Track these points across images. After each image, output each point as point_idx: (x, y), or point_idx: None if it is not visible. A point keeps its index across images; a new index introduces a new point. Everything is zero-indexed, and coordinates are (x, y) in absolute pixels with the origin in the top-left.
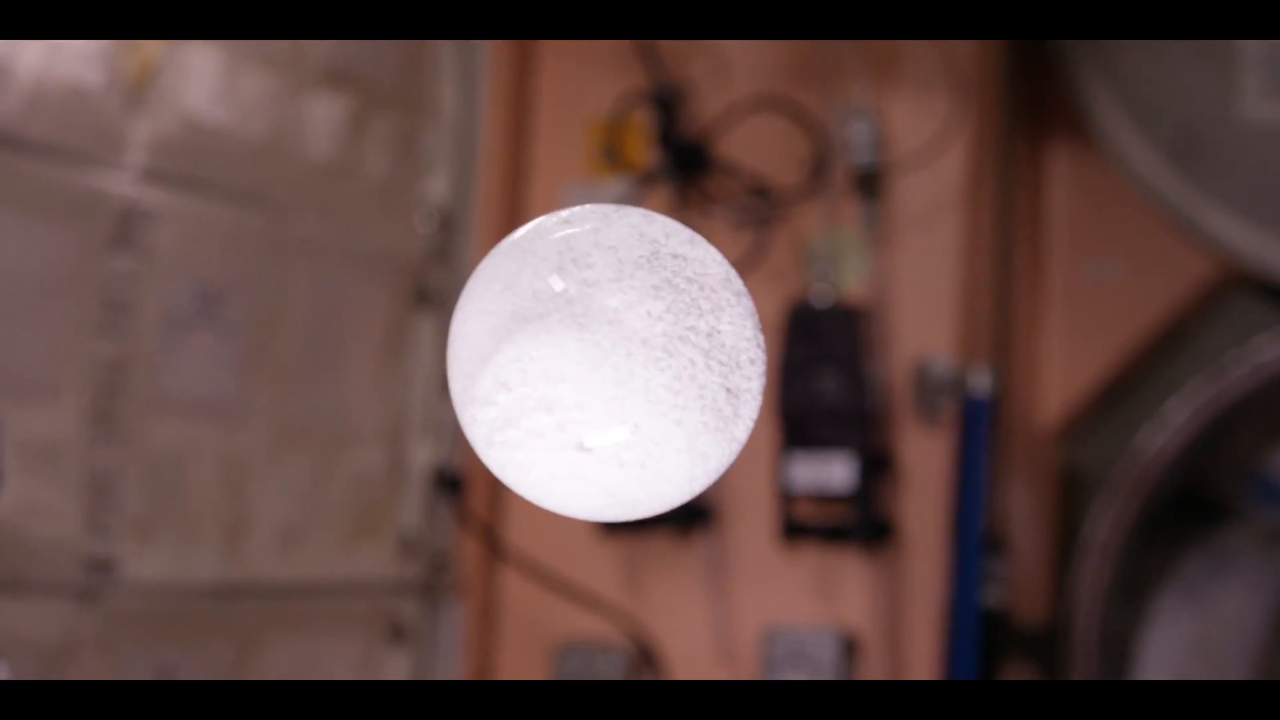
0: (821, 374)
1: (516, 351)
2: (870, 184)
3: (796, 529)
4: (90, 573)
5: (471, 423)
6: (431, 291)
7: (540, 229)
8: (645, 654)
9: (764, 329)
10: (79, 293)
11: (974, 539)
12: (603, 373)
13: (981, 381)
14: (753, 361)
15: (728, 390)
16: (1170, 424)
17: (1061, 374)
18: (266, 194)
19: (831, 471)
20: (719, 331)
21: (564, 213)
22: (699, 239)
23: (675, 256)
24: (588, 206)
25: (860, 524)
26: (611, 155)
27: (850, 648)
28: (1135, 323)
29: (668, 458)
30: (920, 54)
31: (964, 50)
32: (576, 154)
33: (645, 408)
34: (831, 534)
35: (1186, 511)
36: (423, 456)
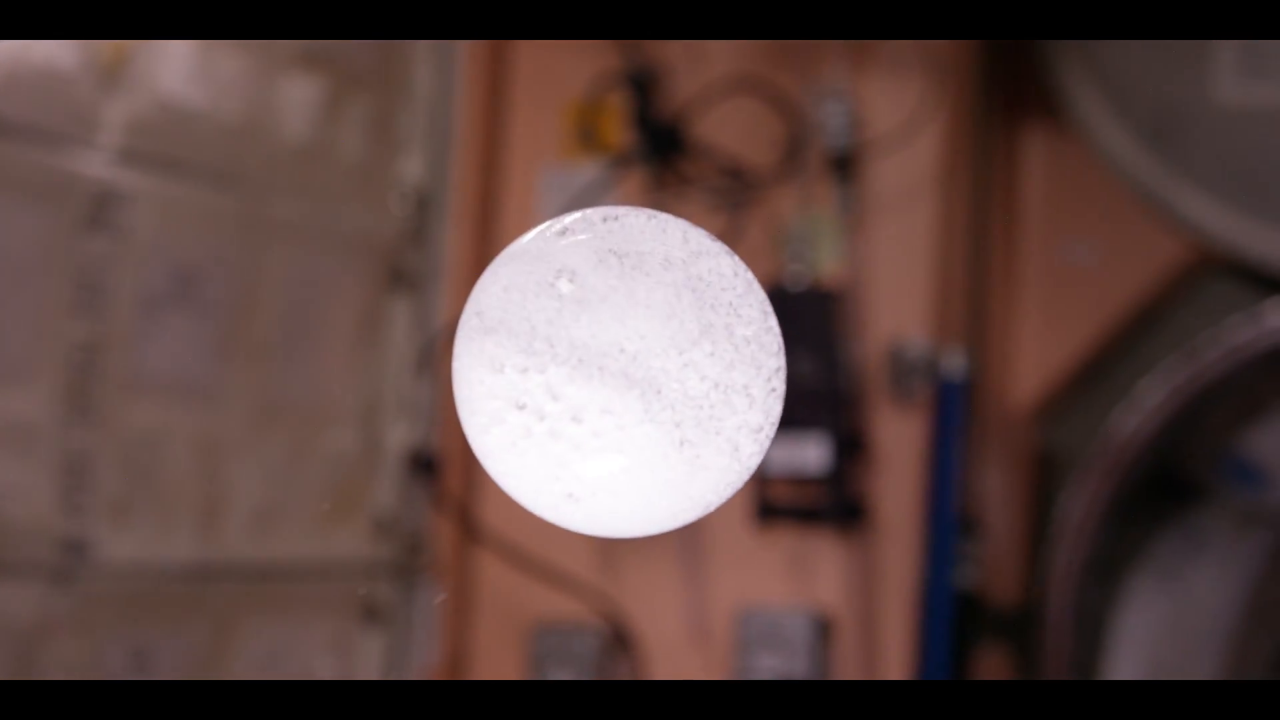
0: (796, 356)
1: (605, 404)
2: (845, 166)
3: (771, 510)
4: (64, 554)
5: (510, 373)
6: (406, 273)
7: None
8: (620, 635)
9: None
10: (53, 274)
11: (948, 520)
12: (654, 469)
13: (956, 363)
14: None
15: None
16: (1145, 405)
17: (1036, 355)
18: (241, 175)
19: (806, 453)
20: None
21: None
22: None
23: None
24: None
25: (834, 505)
26: (587, 137)
27: (824, 629)
28: (1110, 304)
29: (658, 507)
30: None
31: None
32: (552, 135)
33: (668, 499)
34: (806, 515)
35: (1161, 492)
36: (397, 438)
